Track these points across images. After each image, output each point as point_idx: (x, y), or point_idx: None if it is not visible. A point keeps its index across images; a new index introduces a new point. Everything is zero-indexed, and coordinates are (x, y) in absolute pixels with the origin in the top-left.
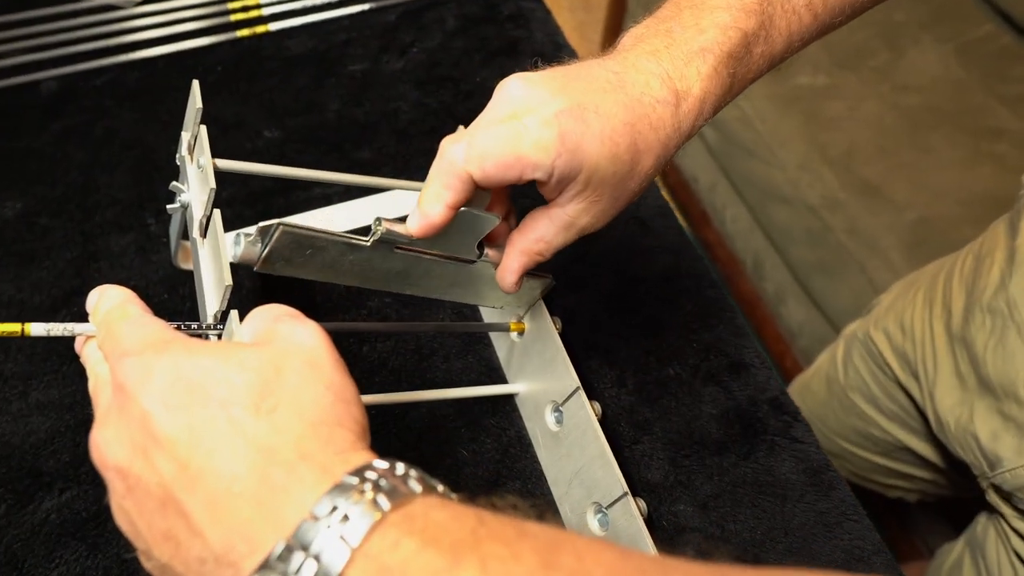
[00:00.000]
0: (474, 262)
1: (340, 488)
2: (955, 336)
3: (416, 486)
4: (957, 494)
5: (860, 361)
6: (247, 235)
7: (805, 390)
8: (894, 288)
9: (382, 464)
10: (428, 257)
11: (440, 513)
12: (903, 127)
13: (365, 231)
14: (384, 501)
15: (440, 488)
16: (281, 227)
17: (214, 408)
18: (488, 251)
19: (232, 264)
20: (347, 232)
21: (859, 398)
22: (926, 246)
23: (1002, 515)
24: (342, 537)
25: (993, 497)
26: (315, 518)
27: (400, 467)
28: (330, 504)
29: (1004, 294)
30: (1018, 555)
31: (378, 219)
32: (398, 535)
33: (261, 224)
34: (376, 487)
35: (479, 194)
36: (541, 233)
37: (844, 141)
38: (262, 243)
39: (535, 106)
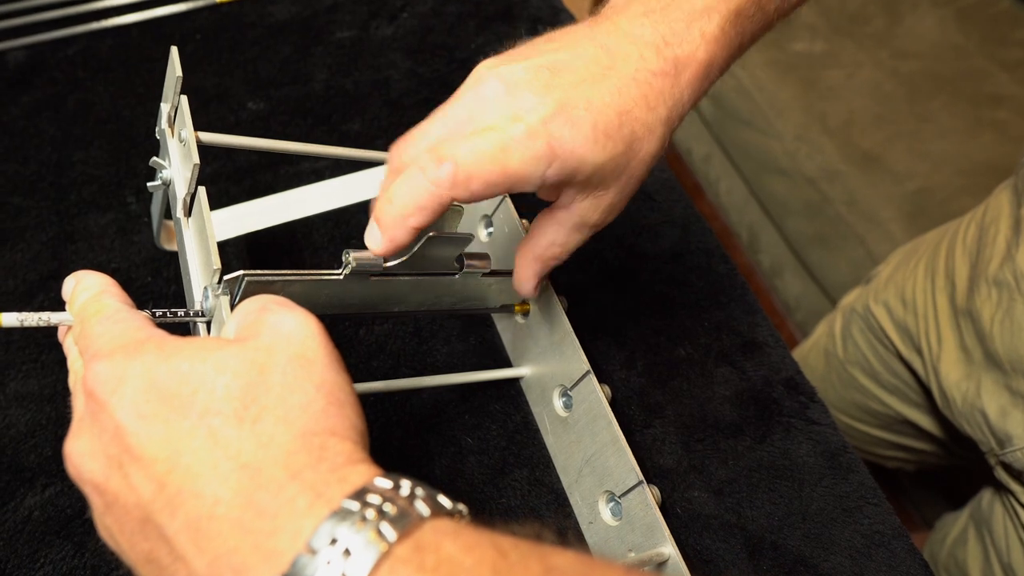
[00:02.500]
0: (455, 275)
1: (339, 515)
2: (959, 309)
3: (424, 508)
4: (959, 464)
5: (860, 335)
6: (214, 289)
7: (802, 364)
8: (892, 258)
9: (384, 483)
10: (407, 278)
11: (453, 544)
12: (902, 95)
13: (360, 206)
14: (389, 530)
15: (449, 506)
16: (246, 279)
17: (193, 419)
18: (469, 260)
19: (220, 244)
20: (334, 208)
21: (859, 372)
22: (926, 216)
23: (1011, 492)
24: (344, 575)
25: (1002, 474)
26: (312, 551)
27: (405, 485)
28: (328, 535)
29: (1011, 265)
30: None
31: (347, 251)
32: (408, 573)
33: (227, 277)
34: (380, 513)
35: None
36: (552, 238)
37: (842, 110)
38: (231, 294)
39: (520, 113)
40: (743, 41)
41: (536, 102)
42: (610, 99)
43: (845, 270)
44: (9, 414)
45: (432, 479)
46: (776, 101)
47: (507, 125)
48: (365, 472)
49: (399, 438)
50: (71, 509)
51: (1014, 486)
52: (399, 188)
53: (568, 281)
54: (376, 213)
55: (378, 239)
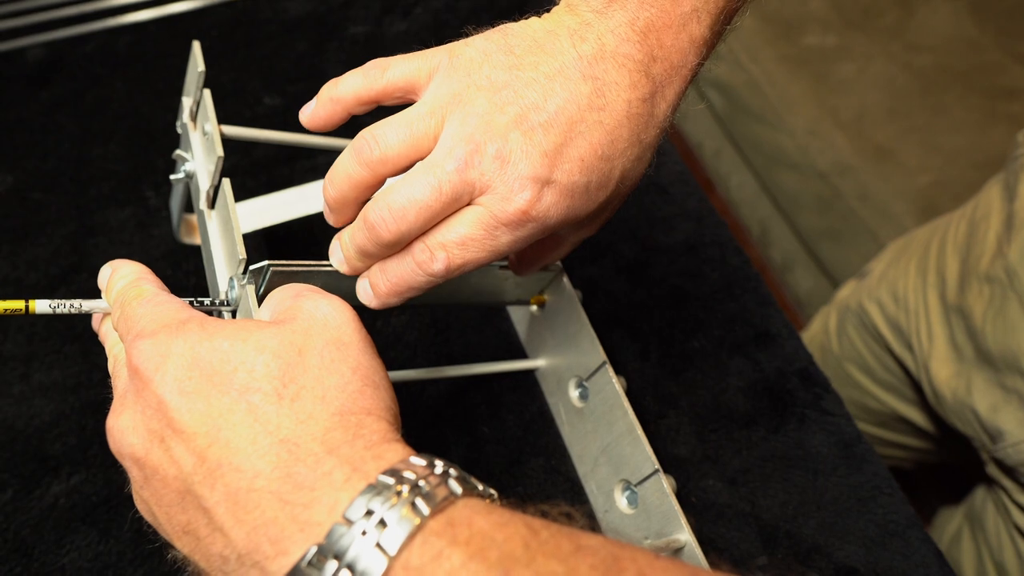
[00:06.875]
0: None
1: (374, 489)
2: (950, 306)
3: (456, 487)
4: (955, 462)
5: (854, 332)
6: (239, 279)
7: None
8: (885, 254)
9: (419, 461)
10: None
11: (485, 520)
12: (915, 88)
13: None
14: (423, 505)
15: (480, 487)
16: (271, 269)
17: (233, 395)
18: None
19: (245, 236)
20: None
21: (854, 369)
22: (939, 211)
23: (1003, 488)
24: (379, 545)
25: (993, 470)
26: (348, 522)
27: (439, 464)
28: (364, 507)
29: (1002, 261)
30: (1018, 529)
31: None
32: (441, 545)
33: (252, 267)
34: (414, 488)
35: None
36: (536, 256)
37: (854, 104)
38: (255, 284)
39: (510, 192)
40: (725, 28)
41: (529, 178)
42: (602, 150)
43: (857, 265)
44: (34, 404)
45: None
46: (787, 95)
47: (497, 206)
48: (400, 450)
49: (416, 428)
50: (96, 497)
51: (1006, 482)
52: (394, 269)
53: (581, 274)
54: (371, 278)
55: (371, 300)
